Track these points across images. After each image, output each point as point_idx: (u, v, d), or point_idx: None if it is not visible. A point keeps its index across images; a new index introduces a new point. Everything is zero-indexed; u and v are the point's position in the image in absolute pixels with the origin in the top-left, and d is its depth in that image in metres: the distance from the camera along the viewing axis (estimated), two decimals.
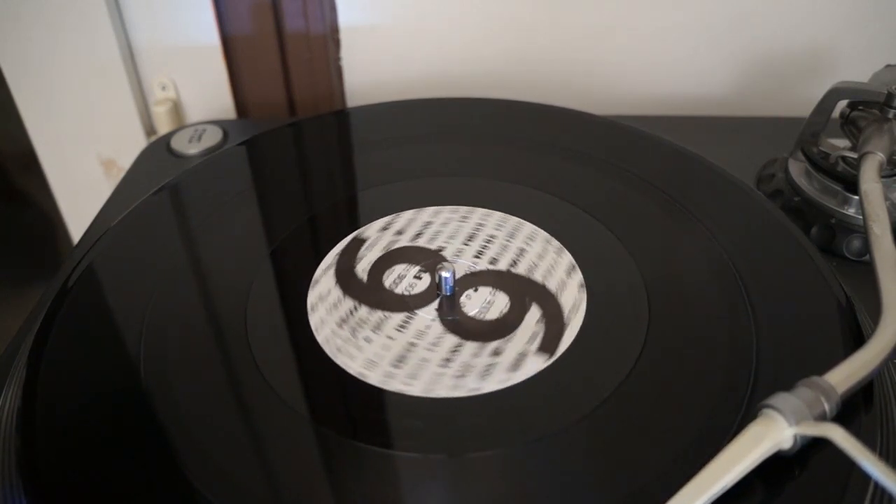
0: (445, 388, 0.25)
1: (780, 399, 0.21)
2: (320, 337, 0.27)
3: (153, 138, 0.49)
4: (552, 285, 0.29)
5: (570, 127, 0.39)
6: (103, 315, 0.29)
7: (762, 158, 0.41)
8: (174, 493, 0.22)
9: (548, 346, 0.27)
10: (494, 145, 0.38)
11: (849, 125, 0.36)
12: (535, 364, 0.26)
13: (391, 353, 0.27)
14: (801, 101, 0.48)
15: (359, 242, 0.32)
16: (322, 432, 0.24)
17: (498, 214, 0.33)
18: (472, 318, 0.28)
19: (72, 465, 0.23)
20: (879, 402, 0.23)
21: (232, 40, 0.50)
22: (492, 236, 0.32)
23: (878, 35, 0.47)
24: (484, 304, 0.29)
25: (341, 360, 0.26)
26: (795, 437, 0.21)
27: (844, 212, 0.35)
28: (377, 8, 0.49)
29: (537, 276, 0.30)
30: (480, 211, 0.33)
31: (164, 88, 0.52)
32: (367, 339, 0.27)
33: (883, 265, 0.27)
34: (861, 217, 0.32)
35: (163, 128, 0.52)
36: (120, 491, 0.22)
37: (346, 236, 0.32)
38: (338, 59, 0.51)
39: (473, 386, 0.25)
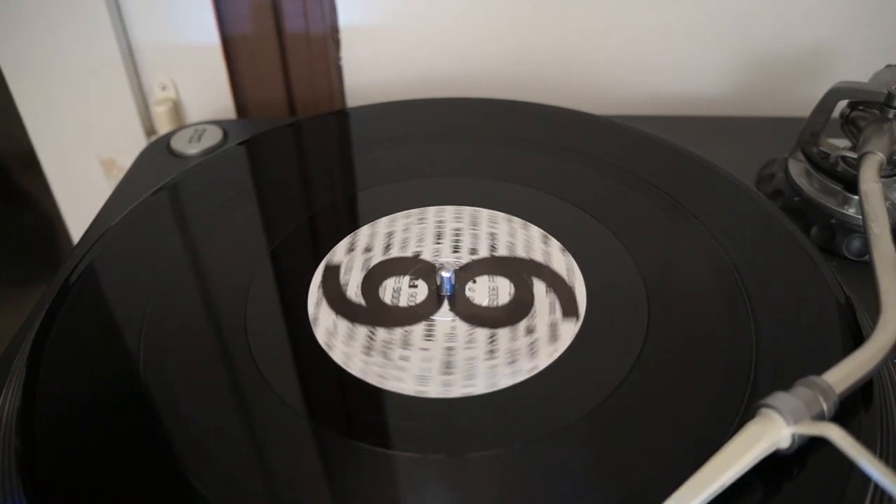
0: (506, 377, 0.25)
1: (779, 398, 0.21)
2: (355, 370, 0.26)
3: (153, 138, 0.49)
4: (538, 257, 0.30)
5: (570, 127, 0.39)
6: (103, 315, 0.29)
7: (762, 158, 0.41)
8: (173, 492, 0.22)
9: (569, 309, 0.28)
10: (494, 145, 0.38)
11: (849, 125, 0.36)
12: (569, 328, 0.27)
13: (436, 363, 0.26)
14: (801, 101, 0.48)
15: (334, 270, 0.31)
16: (321, 432, 0.24)
17: (451, 208, 0.34)
18: (488, 308, 0.28)
19: (72, 465, 0.23)
20: (879, 402, 0.23)
21: (232, 40, 0.50)
22: (457, 229, 0.32)
23: (878, 35, 0.47)
24: (490, 292, 0.29)
25: (391, 386, 0.25)
26: (793, 436, 0.21)
27: (844, 212, 0.35)
28: (377, 8, 0.49)
29: (521, 253, 0.31)
30: (432, 209, 0.34)
31: (164, 88, 0.52)
32: (404, 358, 0.26)
33: (882, 265, 0.27)
34: (861, 217, 0.32)
35: (163, 128, 0.53)
36: (119, 490, 0.22)
37: (322, 259, 0.31)
38: (338, 59, 0.51)
39: (530, 366, 0.26)
